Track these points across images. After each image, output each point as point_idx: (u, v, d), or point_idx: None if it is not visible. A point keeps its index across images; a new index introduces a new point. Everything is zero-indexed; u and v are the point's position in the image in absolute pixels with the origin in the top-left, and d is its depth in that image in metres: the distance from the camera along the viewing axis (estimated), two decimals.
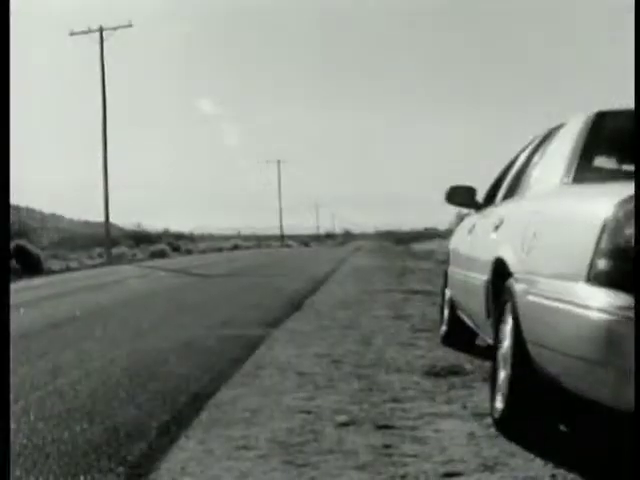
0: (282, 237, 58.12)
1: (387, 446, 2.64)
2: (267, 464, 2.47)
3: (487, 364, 4.07)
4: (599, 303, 2.01)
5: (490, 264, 3.22)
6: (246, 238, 54.77)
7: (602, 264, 2.05)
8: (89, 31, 26.52)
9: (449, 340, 4.90)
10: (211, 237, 53.20)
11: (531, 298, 2.47)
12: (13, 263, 15.09)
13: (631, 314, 1.92)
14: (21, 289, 10.69)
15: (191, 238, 46.34)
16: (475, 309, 3.75)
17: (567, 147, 2.99)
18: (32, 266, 15.90)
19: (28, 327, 6.02)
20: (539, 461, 2.40)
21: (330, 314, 6.72)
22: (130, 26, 26.43)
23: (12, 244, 15.69)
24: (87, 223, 39.88)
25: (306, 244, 60.16)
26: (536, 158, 3.47)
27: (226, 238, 51.51)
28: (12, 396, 3.39)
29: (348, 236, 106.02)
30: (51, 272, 16.32)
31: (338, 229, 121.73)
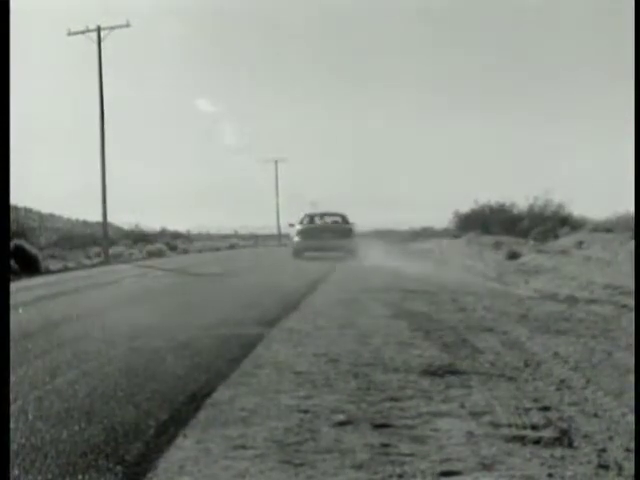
0: (279, 236, 58.00)
1: (385, 445, 2.65)
2: (264, 463, 2.48)
3: (486, 366, 4.08)
4: (297, 240, 20.95)
5: (295, 236, 21.29)
6: (243, 237, 54.72)
7: (299, 235, 20.87)
8: (87, 30, 26.42)
9: (294, 256, 20.10)
10: (208, 236, 53.08)
11: (295, 239, 21.23)
12: (11, 263, 15.08)
13: (302, 242, 21.05)
14: (19, 289, 10.68)
15: (188, 237, 46.27)
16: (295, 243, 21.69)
17: (300, 219, 22.69)
18: (30, 266, 15.87)
19: (26, 327, 6.02)
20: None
21: (328, 313, 6.71)
22: (128, 26, 26.35)
23: (11, 244, 15.68)
24: (85, 223, 39.75)
25: None
26: (305, 218, 22.85)
27: (223, 237, 51.50)
28: (11, 395, 3.39)
29: None
30: (49, 272, 16.30)
31: None
